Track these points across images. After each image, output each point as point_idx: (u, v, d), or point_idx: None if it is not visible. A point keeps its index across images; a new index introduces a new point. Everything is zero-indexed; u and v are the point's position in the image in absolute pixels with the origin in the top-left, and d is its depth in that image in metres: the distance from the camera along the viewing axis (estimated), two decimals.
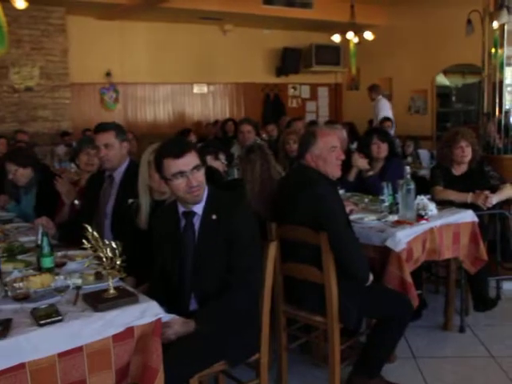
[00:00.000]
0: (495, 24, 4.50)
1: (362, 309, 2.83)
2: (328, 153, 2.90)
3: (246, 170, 3.43)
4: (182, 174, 2.33)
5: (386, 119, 7.76)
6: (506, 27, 4.46)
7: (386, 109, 8.43)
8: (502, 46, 4.51)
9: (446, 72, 10.07)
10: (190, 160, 2.35)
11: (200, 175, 2.38)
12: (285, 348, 3.13)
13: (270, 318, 2.99)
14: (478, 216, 3.69)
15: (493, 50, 4.59)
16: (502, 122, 4.52)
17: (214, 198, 2.47)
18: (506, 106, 4.50)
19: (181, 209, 2.48)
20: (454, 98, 10.35)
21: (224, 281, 2.39)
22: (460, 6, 7.99)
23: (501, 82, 4.52)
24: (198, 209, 2.45)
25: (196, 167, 2.36)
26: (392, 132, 7.90)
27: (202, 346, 2.28)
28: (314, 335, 3.24)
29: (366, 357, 2.96)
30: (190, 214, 2.46)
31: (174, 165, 2.33)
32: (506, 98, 4.51)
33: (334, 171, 2.93)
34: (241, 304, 2.39)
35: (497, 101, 4.55)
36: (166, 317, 2.20)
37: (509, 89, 4.49)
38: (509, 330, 3.87)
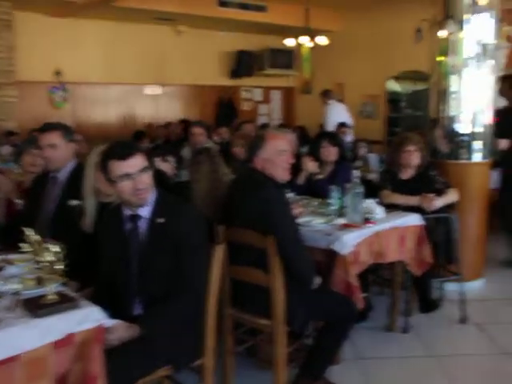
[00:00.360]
0: (442, 33, 4.61)
1: (307, 311, 2.84)
2: (276, 156, 2.91)
3: (193, 172, 3.41)
4: (127, 176, 2.30)
5: (342, 125, 7.85)
6: (452, 37, 4.57)
7: (338, 114, 8.52)
8: (448, 54, 4.62)
9: (397, 78, 10.28)
10: (136, 162, 2.31)
11: (147, 177, 2.35)
12: (231, 351, 3.12)
13: (217, 322, 2.99)
14: (424, 219, 3.78)
15: (439, 59, 4.71)
16: (448, 128, 4.63)
17: (162, 201, 2.45)
18: (451, 112, 4.61)
19: (127, 212, 2.44)
20: (404, 104, 10.57)
21: (170, 285, 2.36)
22: (411, 14, 8.18)
23: (446, 90, 4.63)
24: (145, 212, 2.41)
25: (143, 169, 2.33)
26: (350, 137, 8.03)
27: (146, 351, 2.25)
28: (260, 338, 3.24)
29: (312, 359, 2.99)
30: (135, 218, 2.42)
31: (120, 167, 2.29)
32: (451, 105, 4.62)
33: (282, 175, 2.94)
34: (186, 308, 2.37)
35: (442, 108, 4.66)
36: (108, 322, 2.16)
37: (453, 96, 4.60)
38: (450, 330, 3.97)
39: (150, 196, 2.41)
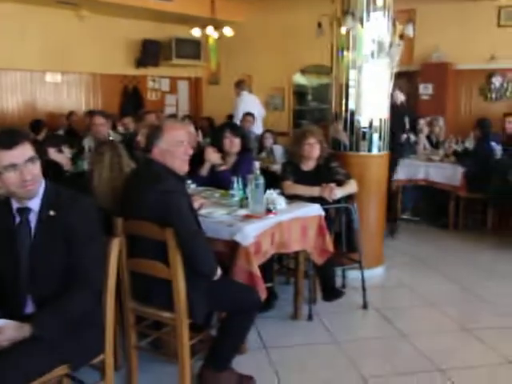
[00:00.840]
0: (342, 29, 4.73)
1: (210, 303, 2.84)
2: (175, 147, 2.86)
3: (95, 162, 3.30)
4: (13, 166, 2.17)
5: (247, 114, 7.87)
6: (351, 32, 4.70)
7: (250, 104, 8.54)
8: (348, 49, 4.75)
9: (303, 71, 10.48)
10: (22, 152, 2.18)
11: (35, 168, 2.23)
12: (134, 346, 3.06)
13: (119, 316, 2.92)
14: (325, 209, 3.88)
15: (339, 54, 4.83)
16: (348, 120, 4.77)
17: (52, 192, 2.33)
18: (351, 106, 4.75)
19: (15, 205, 2.31)
20: (309, 97, 10.81)
21: (63, 280, 2.27)
22: (313, 8, 8.32)
23: (347, 84, 4.76)
24: (34, 204, 2.29)
25: (30, 159, 2.20)
26: (259, 129, 8.07)
27: (37, 351, 2.14)
28: (164, 331, 3.20)
29: (216, 350, 2.99)
30: (24, 211, 2.29)
31: (5, 157, 2.15)
32: (351, 98, 4.76)
33: (181, 166, 2.90)
34: (81, 304, 2.28)
35: (343, 101, 4.79)
36: None
37: (352, 90, 4.74)
38: (352, 316, 4.13)
39: (40, 188, 2.30)
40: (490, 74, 8.47)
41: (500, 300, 4.40)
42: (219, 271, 2.84)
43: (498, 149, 6.39)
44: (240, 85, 8.76)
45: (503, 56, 8.21)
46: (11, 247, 2.28)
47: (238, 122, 7.99)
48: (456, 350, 3.56)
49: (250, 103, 8.61)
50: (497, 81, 8.44)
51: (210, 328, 3.25)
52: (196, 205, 3.18)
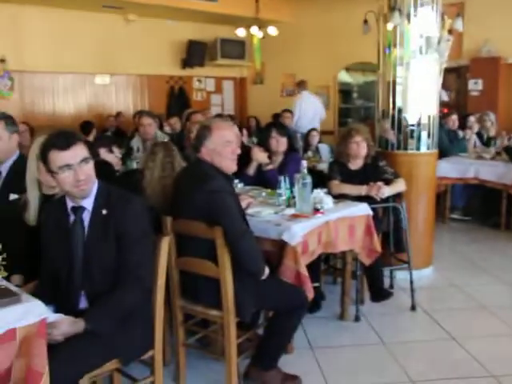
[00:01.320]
0: (389, 25, 4.67)
1: (257, 302, 2.85)
2: (223, 147, 2.88)
3: (148, 161, 3.37)
4: (68, 167, 2.24)
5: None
6: (398, 29, 4.62)
7: (308, 104, 8.59)
8: (395, 46, 4.68)
9: (348, 69, 10.40)
10: (76, 152, 2.26)
11: (88, 168, 2.30)
12: (182, 343, 3.09)
13: (168, 313, 2.96)
14: (373, 209, 3.83)
15: (386, 50, 4.76)
16: (396, 119, 4.70)
17: (105, 192, 2.40)
18: (399, 103, 4.68)
19: (70, 204, 2.38)
20: (355, 95, 10.71)
21: (115, 277, 2.32)
22: (359, 5, 8.25)
23: (394, 81, 4.69)
24: (88, 203, 2.36)
25: (84, 160, 2.27)
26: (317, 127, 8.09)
27: (91, 346, 2.19)
28: (212, 329, 3.23)
29: (263, 349, 2.99)
30: (79, 209, 2.36)
31: (60, 157, 2.23)
32: (398, 96, 4.68)
33: (229, 166, 2.92)
34: (132, 301, 2.33)
35: (390, 99, 4.72)
36: (51, 317, 2.11)
37: (400, 87, 4.67)
38: (399, 317, 4.05)
39: (93, 187, 2.36)
40: None
41: None
42: (267, 270, 2.84)
43: None
44: (301, 85, 8.82)
45: None
46: (66, 245, 2.35)
47: (295, 122, 8.04)
48: (508, 356, 3.45)
49: (310, 103, 8.63)
50: None
51: (257, 327, 3.26)
52: (243, 204, 3.19)
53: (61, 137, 2.27)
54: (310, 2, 9.77)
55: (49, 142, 2.28)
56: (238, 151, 2.98)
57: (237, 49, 10.67)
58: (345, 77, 10.51)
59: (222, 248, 2.68)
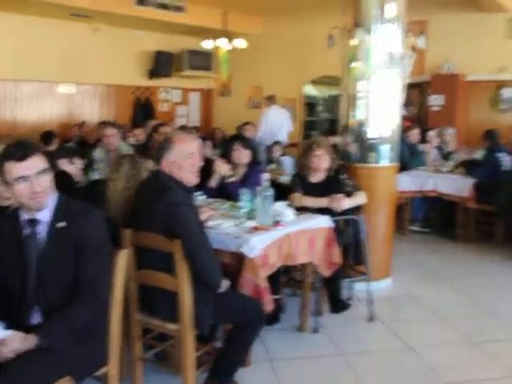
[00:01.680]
0: (353, 41, 4.76)
1: (216, 315, 2.85)
2: (183, 159, 2.89)
3: (113, 171, 3.36)
4: (24, 178, 2.20)
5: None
6: (361, 44, 4.71)
7: (274, 118, 8.74)
8: (358, 60, 4.76)
9: (313, 82, 10.53)
10: (33, 164, 2.22)
11: (45, 180, 2.27)
12: (139, 358, 3.07)
13: (124, 327, 2.93)
14: (335, 221, 3.88)
15: (349, 65, 4.85)
16: (357, 132, 4.77)
17: (62, 204, 2.36)
18: (360, 117, 4.76)
19: (24, 216, 2.34)
20: (320, 108, 10.84)
21: (71, 291, 2.29)
22: (325, 21, 8.37)
23: (356, 95, 4.78)
24: (44, 216, 2.32)
25: (41, 172, 2.24)
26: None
27: (42, 362, 2.14)
28: (170, 343, 3.21)
29: (220, 362, 2.99)
30: (34, 222, 2.32)
31: (16, 169, 2.20)
32: (359, 110, 4.77)
33: (189, 178, 2.93)
34: (88, 314, 2.30)
35: (352, 112, 4.81)
36: (1, 333, 2.07)
37: (361, 101, 4.75)
38: (358, 328, 4.11)
39: (50, 199, 2.33)
40: (500, 85, 8.46)
41: (509, 313, 4.38)
42: (225, 284, 2.86)
43: (506, 159, 6.34)
44: (270, 99, 8.97)
45: None
46: (20, 258, 2.31)
47: (260, 135, 8.13)
48: (462, 364, 3.53)
49: (278, 117, 8.73)
50: (506, 92, 8.42)
51: (215, 340, 3.26)
52: (204, 216, 3.20)
53: (18, 147, 2.23)
54: (278, 15, 9.87)
55: (5, 153, 2.24)
56: (200, 164, 2.99)
57: (204, 60, 10.70)
58: (311, 90, 10.64)
59: (180, 261, 2.69)
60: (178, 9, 9.28)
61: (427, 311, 4.44)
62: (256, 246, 3.11)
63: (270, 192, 3.46)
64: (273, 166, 6.29)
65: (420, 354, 3.65)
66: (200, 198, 4.05)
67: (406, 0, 4.74)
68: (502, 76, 8.34)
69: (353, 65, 4.81)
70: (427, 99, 8.75)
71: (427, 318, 4.31)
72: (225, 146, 4.71)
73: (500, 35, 8.36)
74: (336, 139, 5.17)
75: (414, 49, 5.27)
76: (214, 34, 9.16)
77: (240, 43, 9.04)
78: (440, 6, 8.45)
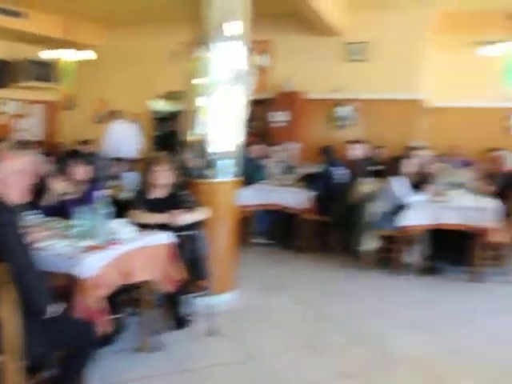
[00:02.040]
0: (195, 57, 4.82)
1: (46, 342, 2.69)
2: (9, 177, 2.72)
3: None
4: None
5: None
6: (202, 60, 4.78)
7: (119, 133, 8.64)
8: (199, 76, 4.82)
9: (162, 97, 10.45)
10: None
11: None
12: None
13: None
14: (178, 237, 3.88)
15: (192, 80, 4.90)
16: (197, 148, 4.82)
17: None
18: (201, 132, 4.81)
19: None
20: (168, 123, 10.79)
21: None
22: (172, 35, 8.44)
23: (197, 111, 4.82)
24: None
25: None
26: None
27: None
28: None
29: None
30: None
31: None
32: (200, 125, 4.82)
33: (16, 197, 2.76)
34: None
35: (193, 128, 4.85)
36: None
37: (202, 117, 4.80)
38: (200, 343, 4.12)
39: None
40: (337, 104, 9.09)
41: (344, 317, 4.70)
42: (55, 308, 2.71)
43: (340, 173, 6.79)
44: (112, 114, 8.80)
45: (348, 87, 8.85)
46: None
47: (104, 150, 7.94)
48: (302, 367, 3.72)
49: (122, 132, 8.56)
50: (341, 110, 9.07)
51: (48, 369, 3.08)
52: (36, 237, 3.04)
53: None
54: (123, 27, 9.74)
55: None
56: (30, 181, 2.83)
57: (46, 71, 10.14)
58: (162, 105, 10.56)
59: (3, 286, 2.51)
60: (17, 14, 8.76)
61: (269, 320, 4.60)
62: (90, 266, 3.01)
63: (108, 209, 3.39)
64: (112, 183, 6.09)
65: (262, 361, 3.78)
66: (33, 217, 3.82)
67: (250, 19, 4.90)
68: (338, 95, 8.97)
69: (194, 81, 4.86)
70: (270, 115, 9.12)
71: (268, 327, 4.46)
72: (61, 162, 4.52)
73: (336, 58, 9.05)
74: (180, 155, 5.17)
75: (257, 66, 5.44)
76: (58, 43, 8.79)
77: (86, 54, 8.76)
78: (283, 28, 8.97)
